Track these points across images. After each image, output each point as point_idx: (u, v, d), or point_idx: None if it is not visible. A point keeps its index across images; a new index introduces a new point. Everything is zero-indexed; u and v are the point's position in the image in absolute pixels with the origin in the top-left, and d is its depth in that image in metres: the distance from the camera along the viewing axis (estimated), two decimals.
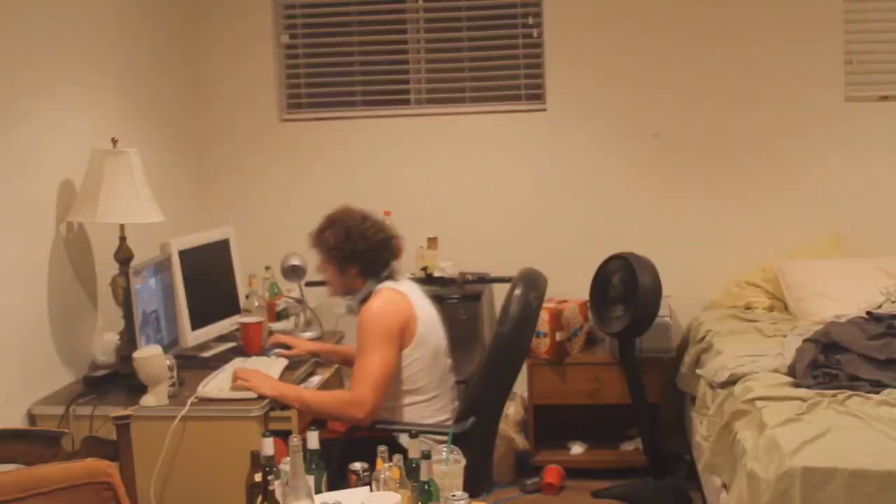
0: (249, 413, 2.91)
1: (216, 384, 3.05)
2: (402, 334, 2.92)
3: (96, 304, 3.42)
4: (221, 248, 3.81)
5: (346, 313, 3.18)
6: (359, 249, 2.99)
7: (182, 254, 3.47)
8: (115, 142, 3.24)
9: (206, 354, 3.53)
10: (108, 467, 2.17)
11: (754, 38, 4.31)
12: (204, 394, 2.98)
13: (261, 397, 2.95)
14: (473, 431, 2.87)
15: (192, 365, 3.38)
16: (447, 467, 2.26)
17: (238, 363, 3.25)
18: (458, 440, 2.78)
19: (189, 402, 2.91)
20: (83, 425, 2.88)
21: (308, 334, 3.84)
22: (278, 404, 3.00)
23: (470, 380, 3.12)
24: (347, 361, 3.34)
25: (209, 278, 3.68)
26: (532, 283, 3.00)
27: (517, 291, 2.94)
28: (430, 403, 2.99)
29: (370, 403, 2.87)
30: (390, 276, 3.03)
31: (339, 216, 3.05)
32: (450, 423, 2.98)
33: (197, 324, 3.52)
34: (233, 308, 3.79)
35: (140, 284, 3.11)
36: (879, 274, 3.92)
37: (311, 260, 3.99)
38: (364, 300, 3.00)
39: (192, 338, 3.49)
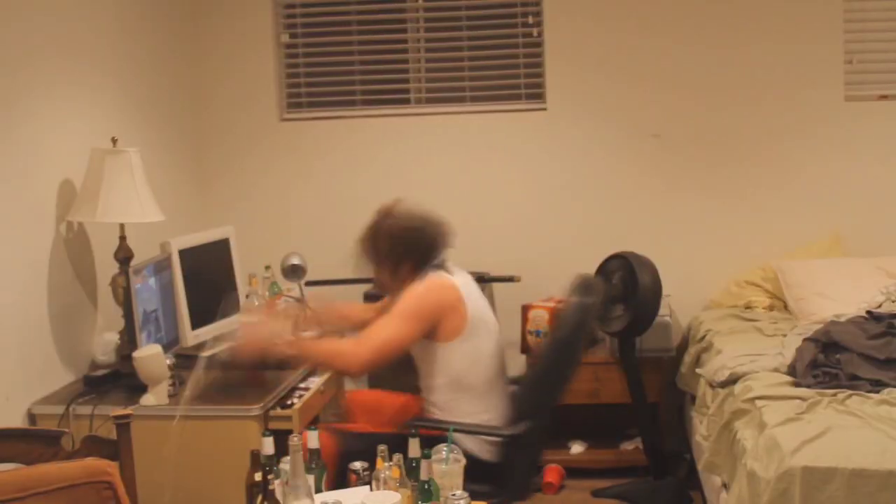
0: (249, 413, 2.91)
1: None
2: (439, 323, 2.87)
3: (96, 304, 3.42)
4: (221, 247, 3.81)
5: None
6: (407, 249, 2.95)
7: (182, 253, 3.46)
8: (114, 141, 3.24)
9: (206, 354, 3.52)
10: (107, 466, 2.17)
11: (754, 38, 4.31)
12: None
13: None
14: (526, 435, 2.84)
15: (192, 364, 3.38)
16: (447, 467, 2.26)
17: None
18: (511, 444, 2.83)
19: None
20: (83, 425, 2.88)
21: (308, 334, 3.83)
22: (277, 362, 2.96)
23: (520, 382, 3.10)
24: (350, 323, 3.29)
25: (209, 278, 3.68)
26: (589, 288, 2.99)
27: (574, 297, 2.92)
28: (479, 402, 2.94)
29: (363, 363, 2.83)
30: (441, 266, 2.99)
31: (383, 220, 3.00)
32: (494, 423, 2.94)
33: (197, 323, 3.52)
34: (233, 307, 3.79)
35: (140, 284, 3.11)
36: (879, 273, 3.92)
37: (310, 259, 4.02)
38: None
39: (192, 337, 3.49)
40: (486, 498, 2.73)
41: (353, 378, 2.86)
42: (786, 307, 4.11)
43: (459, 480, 2.27)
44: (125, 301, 3.18)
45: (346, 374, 2.87)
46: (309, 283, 4.09)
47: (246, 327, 2.98)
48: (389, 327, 2.84)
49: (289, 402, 3.15)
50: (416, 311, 2.87)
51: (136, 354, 2.96)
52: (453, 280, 2.96)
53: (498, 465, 2.88)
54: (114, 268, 3.29)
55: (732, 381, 3.27)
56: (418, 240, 2.97)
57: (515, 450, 2.84)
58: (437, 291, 2.90)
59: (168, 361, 3.01)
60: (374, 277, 3.09)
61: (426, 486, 2.15)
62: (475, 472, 2.69)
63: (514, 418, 2.91)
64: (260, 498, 2.14)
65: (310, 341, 3.03)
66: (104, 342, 3.33)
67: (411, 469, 2.22)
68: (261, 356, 2.89)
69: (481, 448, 2.89)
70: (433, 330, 2.89)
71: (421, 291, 2.89)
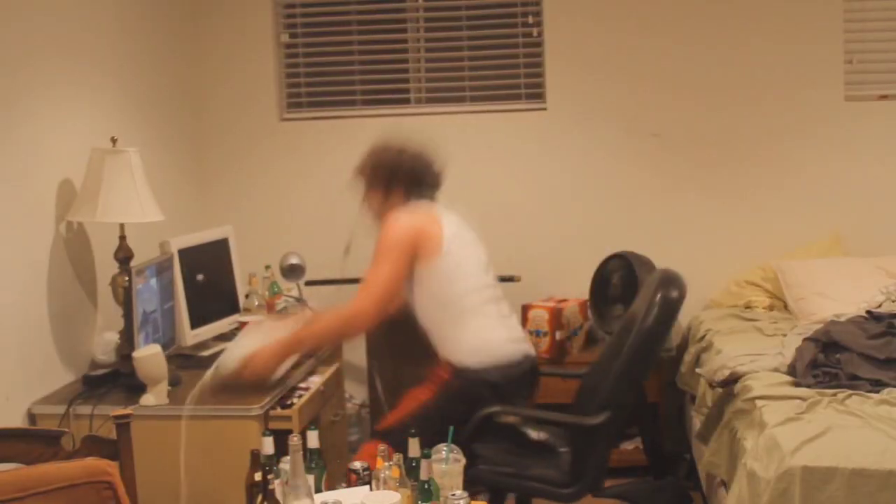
0: (249, 412, 2.91)
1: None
2: (418, 248, 2.91)
3: (96, 304, 3.42)
4: (221, 247, 3.81)
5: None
6: (396, 174, 3.00)
7: (182, 253, 3.47)
8: (114, 141, 3.24)
9: (206, 353, 3.53)
10: (107, 466, 2.17)
11: (754, 38, 4.32)
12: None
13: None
14: (605, 426, 2.87)
15: (191, 364, 3.38)
16: (447, 466, 2.26)
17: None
18: (589, 433, 2.89)
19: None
20: (83, 424, 2.88)
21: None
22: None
23: (593, 373, 3.15)
24: None
25: (209, 277, 3.69)
26: (672, 281, 2.98)
27: (660, 291, 2.92)
28: (473, 320, 2.97)
29: (373, 315, 2.87)
30: (429, 200, 3.04)
31: (382, 143, 3.07)
32: (511, 335, 3.01)
33: (196, 323, 3.52)
34: (232, 307, 3.79)
35: (140, 284, 3.11)
36: (879, 273, 3.92)
37: (310, 260, 4.02)
38: None
39: (192, 337, 3.49)
40: (563, 487, 2.88)
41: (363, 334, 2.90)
42: (786, 307, 4.11)
43: (459, 480, 2.27)
44: (125, 301, 3.18)
45: (359, 334, 2.91)
46: (308, 283, 4.10)
47: (243, 349, 2.99)
48: (381, 270, 2.88)
49: (289, 402, 3.15)
50: (397, 243, 2.90)
51: (135, 354, 2.96)
52: (433, 210, 3.00)
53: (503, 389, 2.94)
54: (114, 268, 3.29)
55: (732, 380, 3.27)
56: (410, 167, 3.02)
57: (595, 440, 2.88)
58: (413, 216, 2.96)
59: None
60: (363, 202, 3.10)
61: (426, 486, 2.15)
62: (482, 393, 2.83)
63: (593, 409, 2.93)
64: (260, 498, 2.14)
65: (304, 328, 3.02)
66: (104, 342, 3.33)
67: (411, 469, 2.22)
68: (261, 381, 2.94)
69: (487, 371, 2.93)
70: (416, 255, 2.92)
71: (395, 219, 2.94)
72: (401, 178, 3.02)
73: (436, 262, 2.93)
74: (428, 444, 2.24)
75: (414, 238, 2.92)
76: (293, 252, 3.93)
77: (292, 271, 3.89)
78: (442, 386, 2.97)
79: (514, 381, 3.00)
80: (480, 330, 2.99)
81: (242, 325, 3.59)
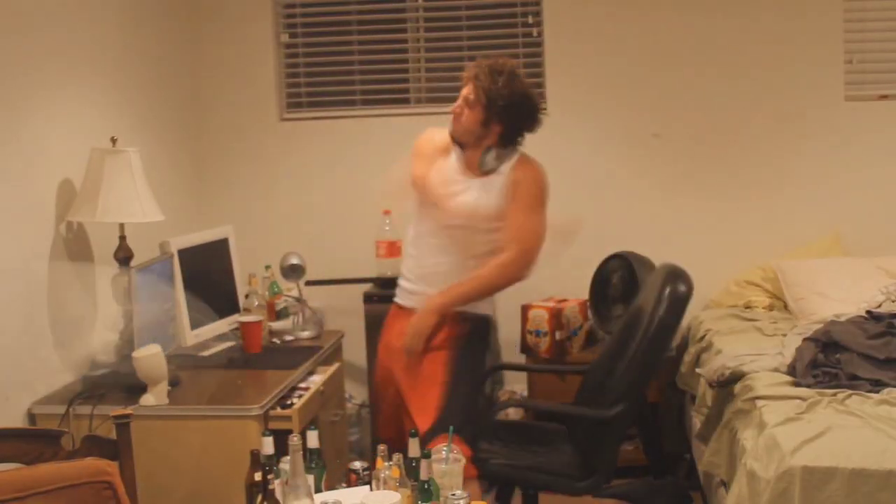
0: (249, 412, 2.91)
1: None
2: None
3: (96, 304, 3.42)
4: (220, 247, 3.81)
5: (485, 167, 3.07)
6: (517, 113, 3.01)
7: (181, 253, 3.47)
8: (114, 141, 3.24)
9: (206, 353, 3.53)
10: (107, 466, 2.17)
11: (754, 38, 4.31)
12: None
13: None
14: (619, 419, 2.91)
15: (191, 364, 3.39)
16: (447, 466, 2.26)
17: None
18: (603, 426, 2.94)
19: None
20: (83, 425, 2.88)
21: (307, 333, 3.84)
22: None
23: (596, 369, 3.22)
24: None
25: (208, 277, 3.69)
26: (679, 276, 3.03)
27: (668, 285, 2.96)
28: None
29: (532, 262, 3.00)
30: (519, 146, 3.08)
31: (515, 72, 3.04)
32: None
33: (196, 323, 3.52)
34: (232, 307, 3.79)
35: (140, 284, 3.11)
36: (879, 273, 3.92)
37: (310, 260, 4.02)
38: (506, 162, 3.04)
39: (192, 337, 3.49)
40: (578, 480, 2.95)
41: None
42: (786, 307, 4.11)
43: (459, 480, 2.27)
44: (125, 301, 3.18)
45: (519, 281, 3.03)
46: (309, 283, 4.10)
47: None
48: (534, 221, 3.00)
49: (289, 402, 3.16)
50: (544, 198, 3.05)
51: (135, 354, 2.96)
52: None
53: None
54: (114, 268, 3.29)
55: (733, 380, 3.27)
56: (529, 111, 3.04)
57: (609, 432, 2.92)
58: (546, 178, 3.07)
59: None
60: (457, 112, 3.07)
61: (426, 486, 2.15)
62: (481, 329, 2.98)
63: (605, 403, 2.96)
64: (260, 498, 2.14)
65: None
66: (104, 342, 3.33)
67: (411, 469, 2.22)
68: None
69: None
70: None
71: (541, 174, 3.06)
72: (514, 119, 3.02)
73: None
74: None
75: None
76: (293, 252, 3.93)
77: (292, 271, 3.89)
78: (456, 340, 3.03)
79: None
80: None
81: (242, 325, 3.59)
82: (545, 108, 3.13)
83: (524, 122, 3.03)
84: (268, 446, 2.29)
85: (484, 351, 3.10)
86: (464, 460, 2.30)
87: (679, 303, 2.95)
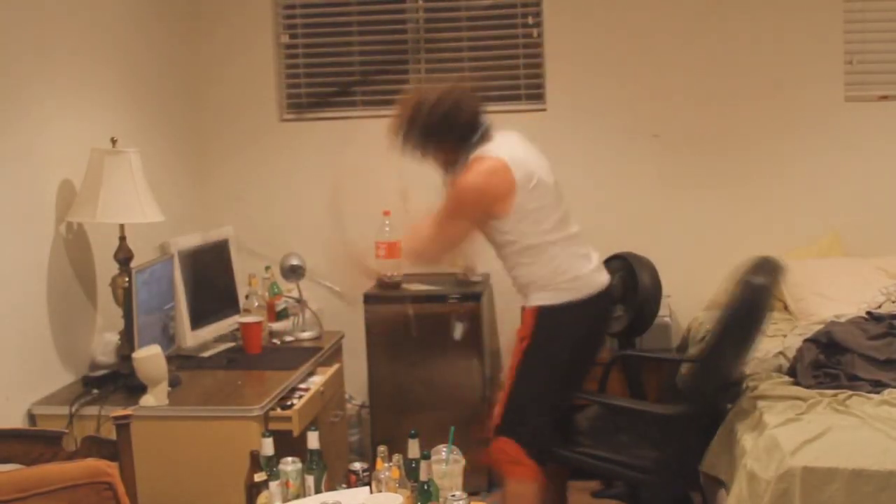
0: (249, 413, 2.91)
1: None
2: (490, 207, 2.95)
3: (96, 304, 3.42)
4: (220, 248, 3.81)
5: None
6: (441, 133, 3.00)
7: (181, 254, 3.47)
8: (114, 141, 3.24)
9: (206, 354, 3.53)
10: (107, 467, 2.16)
11: (754, 38, 4.31)
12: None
13: None
14: (692, 416, 2.91)
15: (191, 365, 3.39)
16: (447, 467, 2.26)
17: None
18: (684, 421, 2.92)
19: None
20: (83, 425, 2.88)
21: (307, 334, 3.84)
22: None
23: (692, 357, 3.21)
24: None
25: (208, 278, 3.69)
26: (761, 267, 2.99)
27: (745, 277, 2.92)
28: (547, 256, 3.01)
29: (417, 260, 3.31)
30: (484, 139, 3.02)
31: (409, 106, 3.03)
32: (589, 254, 3.09)
33: (196, 323, 3.52)
34: (232, 307, 3.79)
35: (140, 284, 3.11)
36: (879, 274, 3.92)
37: (310, 260, 4.02)
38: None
39: (192, 337, 3.49)
40: (661, 476, 2.94)
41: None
42: (786, 307, 4.11)
43: (459, 481, 2.27)
44: (125, 301, 3.18)
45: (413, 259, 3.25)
46: (311, 279, 4.10)
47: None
48: (433, 229, 3.03)
49: (289, 403, 3.15)
50: (460, 208, 2.98)
51: (135, 355, 2.96)
52: (501, 155, 2.96)
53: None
54: (114, 268, 3.29)
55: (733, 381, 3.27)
56: (451, 120, 2.99)
57: (682, 430, 2.90)
58: (487, 176, 2.94)
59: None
60: (425, 159, 3.12)
61: (426, 487, 2.15)
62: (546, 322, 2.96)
63: (682, 398, 2.96)
64: (260, 498, 2.14)
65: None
66: (104, 342, 3.33)
67: (411, 470, 2.22)
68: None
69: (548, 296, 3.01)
70: (488, 213, 2.97)
71: (466, 185, 2.95)
72: (447, 135, 3.00)
73: (512, 214, 2.95)
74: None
75: (486, 200, 2.95)
76: (293, 253, 3.93)
77: (293, 272, 3.89)
78: (525, 336, 3.02)
79: (592, 310, 3.06)
80: (559, 266, 3.02)
81: (242, 325, 3.59)
82: (470, 94, 3.08)
83: (453, 126, 3.00)
84: (268, 447, 2.29)
85: (559, 344, 2.98)
86: (463, 461, 2.30)
87: (752, 295, 2.89)
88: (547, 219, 3.00)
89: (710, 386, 2.98)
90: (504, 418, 3.01)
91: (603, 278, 3.09)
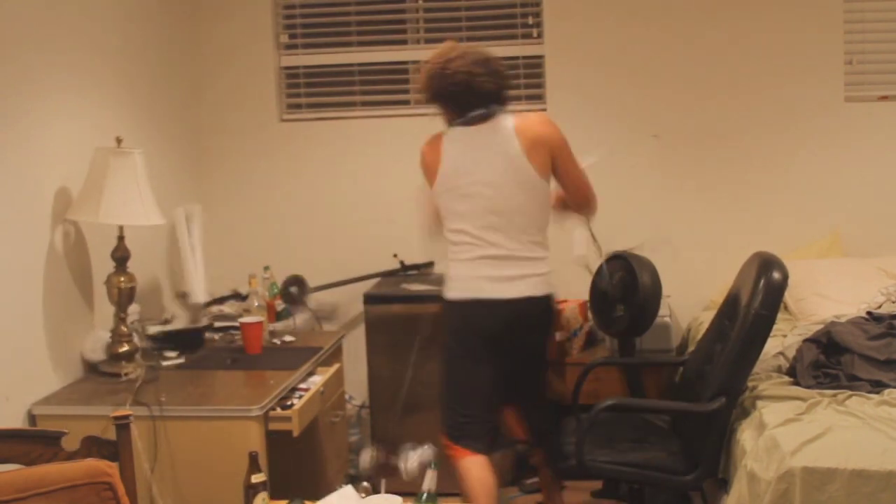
0: (249, 413, 2.91)
1: None
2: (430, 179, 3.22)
3: (94, 304, 3.41)
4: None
5: None
6: (434, 94, 3.27)
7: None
8: (119, 141, 3.22)
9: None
10: (107, 467, 2.17)
11: (754, 38, 4.32)
12: None
13: None
14: (720, 412, 2.94)
15: (191, 365, 3.38)
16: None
17: None
18: (705, 420, 2.97)
19: None
20: (83, 425, 2.87)
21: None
22: None
23: (695, 360, 3.25)
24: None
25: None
26: (772, 264, 3.02)
27: (763, 275, 2.96)
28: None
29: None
30: (464, 123, 3.25)
31: (430, 62, 3.28)
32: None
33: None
34: None
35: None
36: (879, 274, 3.92)
37: (310, 260, 4.03)
38: None
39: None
40: (680, 475, 3.00)
41: None
42: (786, 308, 4.11)
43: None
44: (119, 301, 3.17)
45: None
46: (313, 290, 4.11)
47: None
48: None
49: (289, 403, 3.15)
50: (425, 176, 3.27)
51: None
52: (433, 143, 3.25)
53: None
54: (110, 266, 3.28)
55: None
56: (440, 89, 3.25)
57: (711, 426, 2.94)
58: (422, 157, 3.29)
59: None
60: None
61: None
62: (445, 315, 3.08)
63: (709, 394, 2.97)
64: (258, 498, 2.14)
65: None
66: (94, 338, 3.31)
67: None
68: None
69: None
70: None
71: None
72: (434, 101, 3.26)
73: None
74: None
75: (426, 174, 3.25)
76: (293, 276, 3.96)
77: (293, 300, 3.94)
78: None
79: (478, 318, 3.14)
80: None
81: (243, 325, 3.59)
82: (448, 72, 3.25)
83: (438, 97, 3.27)
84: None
85: (454, 338, 3.14)
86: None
87: (775, 291, 2.94)
88: None
89: (744, 377, 3.05)
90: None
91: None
